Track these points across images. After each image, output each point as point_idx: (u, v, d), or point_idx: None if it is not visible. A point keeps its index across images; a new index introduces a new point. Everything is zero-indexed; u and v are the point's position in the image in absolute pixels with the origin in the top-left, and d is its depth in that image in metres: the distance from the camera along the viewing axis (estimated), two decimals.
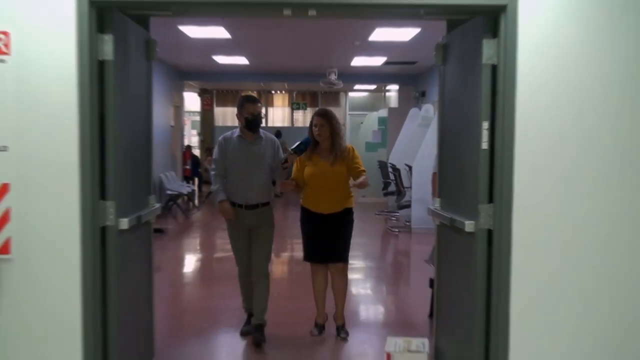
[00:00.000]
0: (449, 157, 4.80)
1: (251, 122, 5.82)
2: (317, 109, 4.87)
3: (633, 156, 4.01)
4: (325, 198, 5.90)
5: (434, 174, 5.84)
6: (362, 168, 5.99)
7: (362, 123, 19.44)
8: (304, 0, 4.03)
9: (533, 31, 3.96)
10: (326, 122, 5.83)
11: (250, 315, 6.11)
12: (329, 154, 5.87)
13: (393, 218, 14.27)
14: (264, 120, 22.49)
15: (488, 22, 4.05)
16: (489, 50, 4.04)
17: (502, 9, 3.96)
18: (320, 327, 6.18)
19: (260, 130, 5.99)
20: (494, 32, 4.04)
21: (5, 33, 3.84)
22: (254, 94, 23.73)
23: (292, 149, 5.81)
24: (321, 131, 5.81)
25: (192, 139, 22.75)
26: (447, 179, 4.84)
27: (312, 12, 4.21)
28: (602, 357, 4.09)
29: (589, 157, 4.01)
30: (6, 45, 3.84)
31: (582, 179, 4.01)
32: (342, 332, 6.00)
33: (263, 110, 6.26)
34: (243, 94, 7.50)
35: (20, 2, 3.84)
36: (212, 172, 6.04)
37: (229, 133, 6.04)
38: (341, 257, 5.98)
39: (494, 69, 4.05)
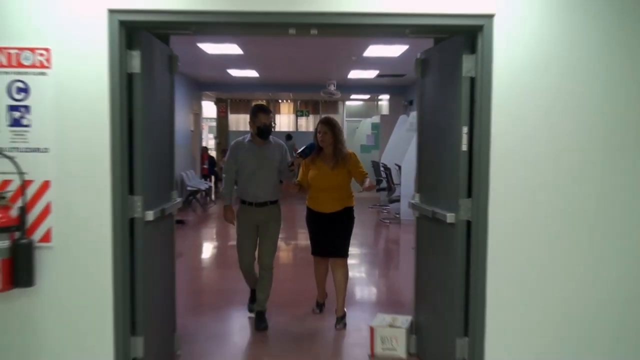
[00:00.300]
0: (429, 158, 4.76)
1: (263, 131, 5.70)
2: (321, 116, 4.66)
3: (593, 151, 4.00)
4: (327, 198, 5.79)
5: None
6: (365, 172, 5.89)
7: (357, 128, 19.51)
8: (307, 20, 4.00)
9: (506, 48, 3.93)
10: (329, 129, 5.71)
11: (254, 292, 6.00)
12: (331, 159, 5.75)
13: (384, 211, 14.36)
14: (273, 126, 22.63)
15: (467, 40, 4.03)
16: (468, 64, 4.01)
17: (479, 28, 3.94)
18: (321, 306, 6.27)
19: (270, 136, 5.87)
20: (472, 49, 4.02)
21: (47, 49, 3.82)
22: (264, 103, 23.77)
23: (297, 153, 5.68)
24: (324, 138, 5.70)
25: (209, 142, 22.71)
26: (427, 177, 4.81)
27: (313, 31, 4.19)
28: (568, 326, 4.09)
29: (555, 156, 3.99)
30: (47, 60, 3.82)
31: (549, 174, 3.99)
32: (340, 323, 5.81)
33: (273, 120, 5.67)
34: (254, 103, 7.02)
35: (59, 23, 3.82)
36: (224, 175, 5.99)
37: (241, 138, 5.89)
38: (341, 251, 5.86)
39: (472, 80, 4.02)
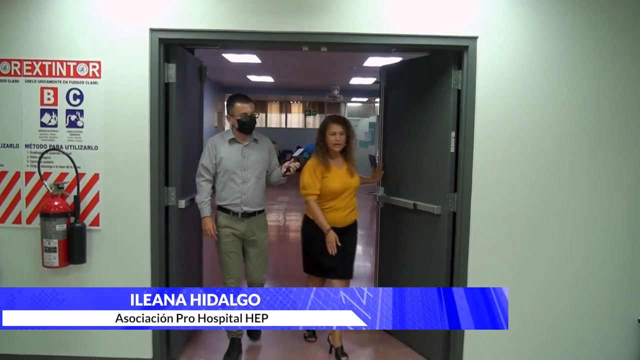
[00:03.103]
0: (402, 157, 4.67)
1: (245, 124, 4.16)
2: (326, 115, 4.16)
3: (563, 154, 4.00)
4: (344, 209, 4.30)
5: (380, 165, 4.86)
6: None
7: (356, 126, 19.44)
8: (318, 40, 3.97)
9: (488, 65, 3.92)
10: (345, 129, 4.26)
11: (235, 340, 4.37)
12: (342, 163, 4.33)
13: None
14: (282, 122, 22.20)
15: (455, 58, 4.02)
16: (455, 78, 4.01)
17: (465, 48, 3.94)
18: (313, 332, 4.75)
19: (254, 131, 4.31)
20: (459, 65, 4.02)
21: (98, 62, 3.85)
22: (276, 104, 23.73)
23: (295, 157, 4.34)
24: (340, 140, 4.23)
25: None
26: (399, 173, 4.71)
27: (323, 49, 4.18)
28: (541, 301, 4.09)
29: (529, 158, 3.99)
30: (99, 71, 3.85)
31: (523, 173, 3.98)
32: (342, 355, 4.33)
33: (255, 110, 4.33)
34: (232, 94, 4.49)
35: (109, 39, 3.84)
36: (198, 179, 4.19)
37: (217, 136, 4.27)
38: (349, 273, 4.36)
39: (459, 92, 4.03)
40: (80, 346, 4.00)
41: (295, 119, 24.25)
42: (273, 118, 24.33)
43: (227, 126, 4.09)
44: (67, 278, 3.94)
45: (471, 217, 4.02)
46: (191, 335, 4.57)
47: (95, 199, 3.92)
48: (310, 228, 4.31)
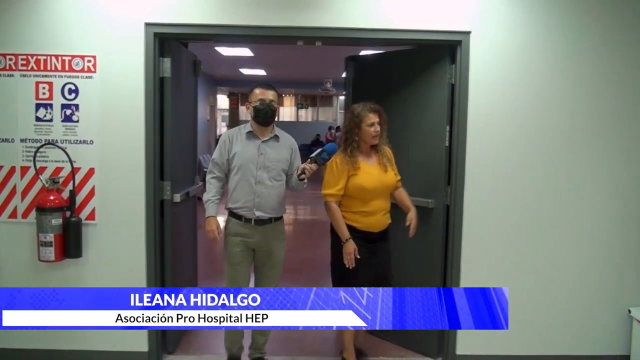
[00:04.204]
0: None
1: (260, 112, 3.70)
2: (358, 104, 3.79)
3: (553, 148, 4.05)
4: (381, 211, 3.79)
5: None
6: (399, 176, 3.95)
7: None
8: (312, 34, 4.00)
9: (481, 59, 3.96)
10: (383, 121, 3.77)
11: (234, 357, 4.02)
12: (375, 157, 3.82)
13: None
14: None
15: (448, 52, 4.05)
16: (449, 72, 4.05)
17: (458, 42, 3.97)
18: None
19: (276, 127, 3.87)
20: (452, 60, 4.05)
21: (93, 56, 3.85)
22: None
23: (312, 157, 3.65)
24: (379, 130, 3.75)
25: (222, 129, 22.67)
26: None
27: (318, 43, 4.20)
28: (529, 288, 4.12)
29: (520, 151, 4.03)
30: (94, 66, 3.85)
31: (514, 166, 4.02)
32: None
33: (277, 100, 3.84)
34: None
35: (104, 34, 3.84)
36: (209, 176, 3.83)
37: (235, 129, 3.87)
38: (390, 282, 3.85)
39: (452, 87, 4.06)
40: (76, 340, 4.01)
41: (288, 112, 24.30)
42: None
43: (220, 123, 3.75)
44: (63, 272, 3.95)
45: (464, 210, 4.06)
46: (187, 329, 4.58)
47: (91, 193, 3.93)
48: (353, 239, 3.70)
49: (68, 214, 3.84)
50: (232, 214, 3.83)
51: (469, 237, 4.09)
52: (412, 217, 3.82)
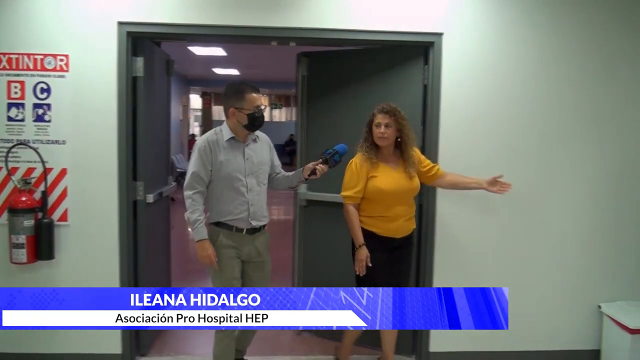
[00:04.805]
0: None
1: (257, 119, 3.41)
2: (379, 104, 3.62)
3: (522, 145, 4.15)
4: (402, 217, 3.62)
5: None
6: (433, 163, 3.84)
7: None
8: (286, 35, 4.02)
9: (453, 60, 4.04)
10: (393, 121, 3.54)
11: None
12: (397, 160, 3.65)
13: None
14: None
15: (423, 54, 4.12)
16: (423, 74, 4.12)
17: (431, 44, 4.04)
18: None
19: None
20: (425, 60, 4.12)
21: (66, 55, 3.82)
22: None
23: (324, 158, 3.47)
24: (387, 133, 3.54)
25: (195, 129, 22.53)
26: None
27: (292, 43, 4.23)
28: (495, 282, 4.00)
29: (490, 148, 4.12)
30: (66, 65, 3.83)
31: (484, 161, 4.08)
32: None
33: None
34: (235, 83, 3.56)
35: (77, 32, 3.82)
36: (190, 192, 3.39)
37: (212, 135, 3.45)
38: None
39: (425, 87, 4.12)
40: (49, 343, 3.98)
41: None
42: None
43: (222, 125, 3.47)
44: (35, 274, 3.91)
45: (437, 210, 4.13)
46: (160, 330, 4.59)
47: (63, 194, 3.90)
48: (371, 244, 3.57)
49: (40, 215, 3.82)
50: (219, 225, 3.48)
51: (442, 237, 4.15)
52: (493, 178, 3.72)
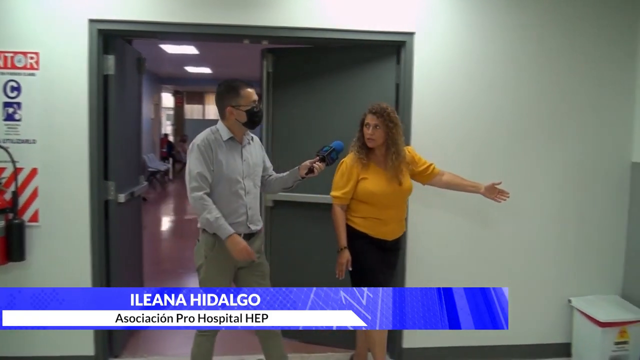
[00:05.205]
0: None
1: (255, 115, 3.26)
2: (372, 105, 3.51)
3: (489, 140, 4.22)
4: (393, 219, 3.57)
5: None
6: (429, 162, 3.75)
7: None
8: (259, 33, 4.03)
9: (424, 59, 4.10)
10: (382, 122, 3.44)
11: None
12: (389, 162, 3.50)
13: None
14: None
15: (393, 53, 4.16)
16: (395, 73, 4.16)
17: (402, 43, 4.09)
18: None
19: None
20: (398, 59, 4.16)
21: (36, 53, 3.78)
22: (214, 96, 23.40)
23: (321, 155, 3.37)
24: (375, 134, 3.47)
25: (167, 128, 22.38)
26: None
27: (265, 42, 4.24)
28: (469, 281, 4.09)
29: (464, 145, 4.19)
30: (37, 62, 3.79)
31: (457, 160, 4.11)
32: None
33: None
34: (228, 80, 3.38)
35: (47, 30, 3.79)
36: (200, 193, 3.15)
37: (209, 135, 3.25)
38: None
39: (397, 85, 4.16)
40: (20, 345, 3.94)
41: None
42: (211, 110, 24.10)
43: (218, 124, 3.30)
44: (6, 276, 3.86)
45: (409, 207, 4.13)
46: (133, 332, 4.57)
47: (34, 194, 3.86)
48: (364, 246, 3.52)
49: (11, 216, 3.78)
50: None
51: (413, 235, 4.18)
52: (491, 185, 3.65)
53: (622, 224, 4.39)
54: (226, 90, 3.29)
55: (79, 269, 3.94)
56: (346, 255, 3.47)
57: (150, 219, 10.20)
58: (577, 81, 4.25)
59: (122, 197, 4.13)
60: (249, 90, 3.27)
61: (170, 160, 18.19)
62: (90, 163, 3.91)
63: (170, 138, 19.50)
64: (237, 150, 3.30)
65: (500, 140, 4.22)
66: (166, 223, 10.58)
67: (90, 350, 4.02)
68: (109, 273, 4.09)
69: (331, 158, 3.38)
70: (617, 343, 4.04)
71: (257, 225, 3.36)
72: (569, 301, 4.33)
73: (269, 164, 3.58)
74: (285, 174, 3.49)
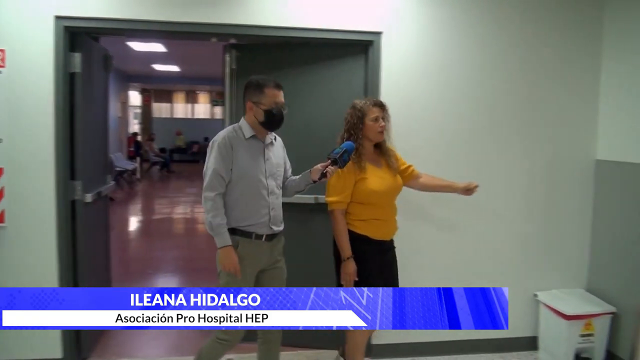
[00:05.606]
0: (298, 150, 3.97)
1: (274, 117, 3.17)
2: (361, 99, 3.50)
3: (456, 137, 4.29)
4: (391, 218, 3.53)
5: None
6: (408, 164, 3.70)
7: None
8: (226, 31, 4.03)
9: (391, 57, 4.15)
10: (386, 115, 3.45)
11: None
12: (379, 160, 3.51)
13: None
14: (188, 112, 21.37)
15: (362, 52, 4.20)
16: (364, 71, 4.21)
17: (370, 43, 4.14)
18: None
19: None
20: (366, 58, 4.20)
21: (2, 50, 3.72)
22: (182, 94, 23.33)
23: (333, 158, 3.20)
24: (384, 126, 3.43)
25: (134, 127, 22.20)
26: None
27: (232, 40, 4.23)
28: (435, 277, 4.22)
29: (430, 143, 4.24)
30: (2, 60, 3.72)
31: (424, 159, 4.07)
32: None
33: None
34: (256, 76, 3.26)
35: (13, 27, 3.73)
36: (212, 194, 3.12)
37: (231, 132, 3.19)
38: None
39: (366, 83, 4.20)
40: None
41: (202, 109, 24.04)
42: (179, 108, 23.98)
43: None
44: None
45: None
46: (102, 333, 4.53)
47: (0, 194, 3.81)
48: (365, 249, 3.41)
49: None
50: (234, 231, 3.18)
51: None
52: (465, 184, 3.63)
53: (587, 220, 4.50)
54: (251, 85, 3.21)
55: (45, 270, 3.90)
56: (353, 265, 3.35)
57: (118, 219, 10.10)
58: (543, 81, 4.35)
59: (89, 197, 4.08)
60: (275, 91, 3.17)
61: (138, 159, 18.04)
62: (57, 162, 3.87)
63: (139, 137, 19.33)
64: (259, 148, 3.23)
65: (468, 137, 4.29)
66: (134, 223, 10.49)
67: (57, 353, 3.97)
68: (76, 274, 4.05)
69: (343, 160, 3.21)
70: (583, 335, 4.13)
71: (280, 226, 3.29)
72: (535, 295, 4.42)
73: (289, 165, 3.49)
74: (297, 177, 3.42)
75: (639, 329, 3.97)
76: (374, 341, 4.29)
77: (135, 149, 18.09)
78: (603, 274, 4.40)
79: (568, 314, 4.10)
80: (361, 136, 3.40)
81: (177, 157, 22.65)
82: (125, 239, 8.82)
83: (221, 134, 3.19)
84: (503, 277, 4.40)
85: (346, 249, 3.35)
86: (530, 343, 4.46)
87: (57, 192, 3.89)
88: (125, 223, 10.25)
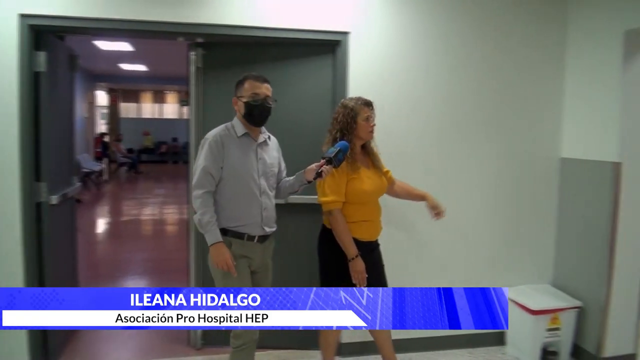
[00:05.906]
0: None
1: (254, 109, 3.15)
2: (351, 98, 3.50)
3: (424, 133, 4.34)
4: (377, 217, 3.53)
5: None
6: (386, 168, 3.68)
7: None
8: (193, 31, 4.02)
9: (359, 57, 4.18)
10: (374, 114, 3.48)
11: None
12: (365, 159, 3.51)
13: None
14: (156, 112, 21.20)
15: (330, 51, 4.23)
16: (332, 70, 4.23)
17: (337, 42, 4.17)
18: None
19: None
20: (334, 58, 4.23)
21: None
22: (150, 94, 23.10)
23: (327, 158, 3.17)
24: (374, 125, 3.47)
25: (101, 127, 21.92)
26: None
27: (199, 39, 4.21)
28: (407, 277, 4.07)
29: (397, 142, 4.24)
30: None
31: (390, 157, 3.97)
32: None
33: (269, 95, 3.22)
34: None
35: None
36: (200, 191, 3.12)
37: (223, 130, 3.20)
38: None
39: (334, 82, 4.22)
40: None
41: (170, 109, 23.86)
42: (147, 108, 23.77)
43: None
44: None
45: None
46: (70, 337, 4.48)
47: None
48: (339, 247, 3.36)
49: None
50: (225, 232, 3.18)
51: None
52: (435, 203, 3.63)
53: (552, 217, 4.59)
54: (238, 82, 3.24)
55: (11, 274, 3.83)
56: (361, 263, 3.31)
57: (85, 221, 9.98)
58: (509, 80, 4.43)
59: (54, 199, 4.03)
60: (255, 82, 3.17)
61: (105, 160, 17.83)
62: (21, 164, 3.81)
63: (106, 138, 19.11)
64: (251, 147, 3.22)
65: (434, 136, 4.35)
66: (102, 225, 10.36)
67: (24, 355, 3.91)
68: (42, 278, 4.00)
69: (338, 159, 3.18)
70: (550, 329, 4.22)
71: (272, 227, 3.29)
72: None
73: (283, 167, 3.48)
74: (291, 178, 3.41)
75: (605, 322, 4.07)
76: (344, 340, 4.31)
77: (103, 149, 17.87)
78: (569, 270, 4.50)
79: (534, 309, 4.17)
80: (353, 136, 3.39)
81: (145, 157, 22.46)
82: (92, 241, 8.70)
83: (213, 132, 3.19)
84: (471, 274, 4.47)
85: (351, 247, 3.32)
86: (499, 338, 4.53)
87: (22, 194, 3.83)
88: (93, 225, 10.13)
